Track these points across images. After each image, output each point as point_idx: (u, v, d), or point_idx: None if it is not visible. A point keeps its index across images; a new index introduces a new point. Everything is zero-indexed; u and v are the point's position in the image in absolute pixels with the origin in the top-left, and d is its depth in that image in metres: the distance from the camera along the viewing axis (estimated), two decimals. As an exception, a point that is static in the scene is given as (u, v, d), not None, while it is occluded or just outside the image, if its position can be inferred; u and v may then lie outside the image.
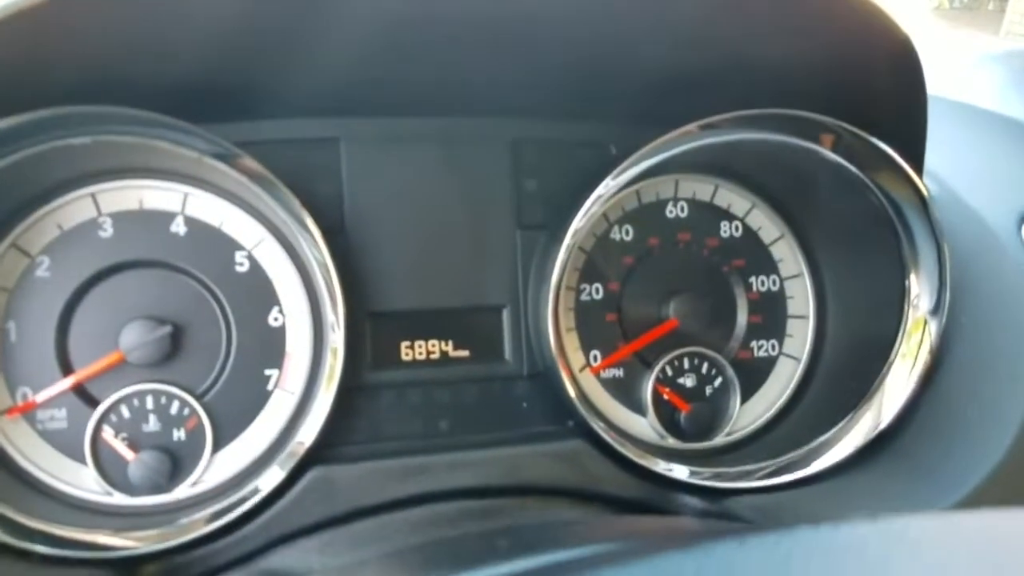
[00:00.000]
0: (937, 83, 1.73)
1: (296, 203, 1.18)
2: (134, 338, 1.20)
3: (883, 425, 1.30)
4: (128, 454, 1.20)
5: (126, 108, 1.10)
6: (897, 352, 1.32)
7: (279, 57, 1.14)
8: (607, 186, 1.27)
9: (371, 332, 1.30)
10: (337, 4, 1.03)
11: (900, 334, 1.32)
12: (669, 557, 0.44)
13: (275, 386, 1.27)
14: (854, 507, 1.25)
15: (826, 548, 0.48)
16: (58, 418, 1.20)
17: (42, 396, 1.18)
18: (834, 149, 1.28)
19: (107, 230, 1.22)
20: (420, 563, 0.86)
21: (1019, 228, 1.38)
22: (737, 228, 1.48)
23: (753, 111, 1.28)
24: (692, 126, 1.28)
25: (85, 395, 1.21)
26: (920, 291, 1.31)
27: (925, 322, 1.30)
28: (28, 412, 1.19)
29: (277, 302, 1.27)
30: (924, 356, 1.29)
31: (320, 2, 1.02)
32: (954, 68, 1.86)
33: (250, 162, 1.16)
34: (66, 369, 1.20)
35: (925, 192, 1.28)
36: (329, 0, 1.02)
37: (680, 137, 1.28)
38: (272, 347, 1.27)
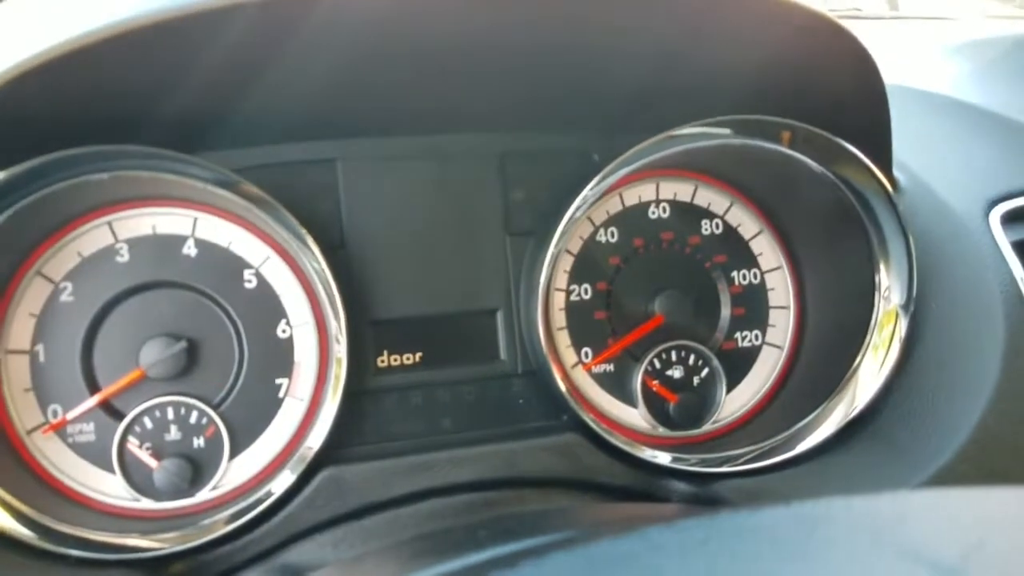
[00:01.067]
0: (912, 73, 1.82)
1: (296, 223, 1.28)
2: (153, 354, 1.30)
3: (857, 410, 1.39)
4: (152, 462, 1.31)
5: (137, 146, 1.20)
6: (869, 343, 1.41)
7: (277, 88, 1.23)
8: (590, 191, 1.37)
9: (373, 339, 1.40)
10: (329, 39, 1.12)
11: (872, 325, 1.41)
12: (598, 544, 0.53)
13: (286, 394, 1.37)
14: (832, 486, 1.35)
15: (742, 531, 0.57)
16: (87, 432, 1.31)
17: (72, 413, 1.29)
18: (792, 146, 1.37)
19: (124, 255, 1.33)
20: (408, 556, 0.96)
21: (986, 215, 1.47)
22: (718, 226, 1.57)
23: (716, 118, 1.38)
24: (665, 134, 1.37)
25: (111, 409, 1.32)
26: (890, 284, 1.40)
27: (896, 314, 1.39)
28: (60, 428, 1.29)
29: (284, 315, 1.38)
30: (895, 346, 1.38)
31: (313, 39, 1.12)
32: (927, 58, 1.94)
33: (251, 188, 1.26)
34: (92, 386, 1.31)
35: (888, 186, 1.37)
36: (321, 36, 1.11)
37: (655, 144, 1.38)
38: (281, 357, 1.37)
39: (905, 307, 1.38)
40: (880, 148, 1.41)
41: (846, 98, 1.35)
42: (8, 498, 1.15)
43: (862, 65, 1.29)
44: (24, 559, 1.13)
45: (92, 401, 1.29)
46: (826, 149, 1.37)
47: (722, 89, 1.37)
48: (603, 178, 1.37)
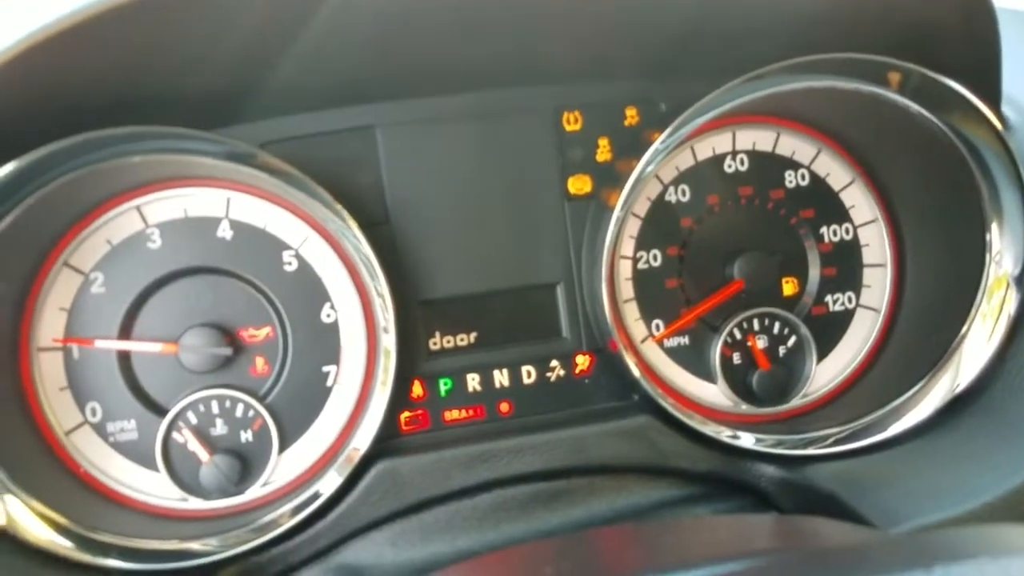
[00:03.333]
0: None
1: (334, 199, 1.21)
2: (193, 345, 1.26)
3: (963, 385, 1.28)
4: (204, 455, 1.27)
5: (161, 126, 1.13)
6: (977, 311, 1.28)
7: (307, 50, 1.15)
8: (661, 145, 1.25)
9: (424, 320, 1.33)
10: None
11: (981, 291, 1.28)
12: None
13: (334, 382, 1.32)
14: (938, 471, 1.23)
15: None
16: (128, 429, 1.28)
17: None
18: (901, 91, 1.23)
19: (155, 241, 1.28)
20: None
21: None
22: (803, 176, 1.44)
23: (813, 57, 1.23)
24: (750, 75, 1.24)
25: (153, 405, 1.28)
26: (1002, 247, 1.26)
27: (1008, 281, 1.25)
28: (98, 425, 1.27)
29: (328, 298, 1.31)
30: (1006, 316, 1.25)
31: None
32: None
33: (282, 163, 1.19)
34: (130, 380, 1.27)
35: (1000, 129, 1.21)
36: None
37: (739, 87, 1.25)
38: (327, 343, 1.32)
39: (1019, 279, 1.24)
40: (988, 83, 1.25)
41: (948, 27, 1.20)
42: (44, 509, 1.13)
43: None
44: (66, 574, 1.11)
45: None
46: (936, 94, 1.22)
47: (803, 24, 1.23)
48: (676, 129, 1.25)
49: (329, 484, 1.22)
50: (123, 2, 0.92)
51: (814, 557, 0.62)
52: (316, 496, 1.22)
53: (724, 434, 1.30)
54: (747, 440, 1.29)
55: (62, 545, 1.13)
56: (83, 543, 1.14)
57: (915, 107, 1.23)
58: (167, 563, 1.15)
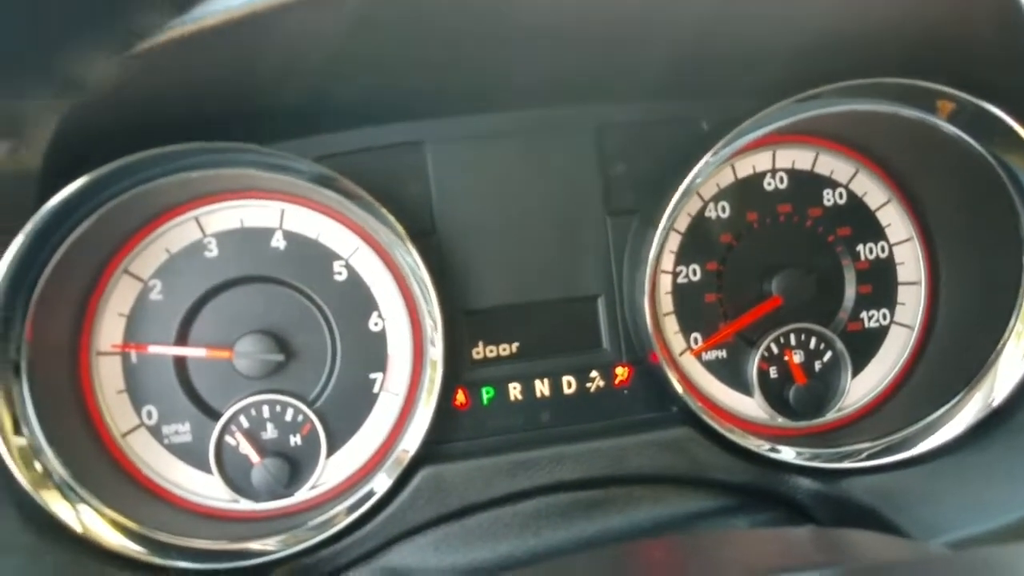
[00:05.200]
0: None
1: (385, 211, 1.27)
2: (248, 352, 1.32)
3: (997, 402, 1.32)
4: (255, 457, 1.33)
5: (224, 143, 1.20)
6: (1012, 330, 1.32)
7: (362, 67, 1.21)
8: (706, 163, 1.31)
9: (468, 330, 1.39)
10: (417, 12, 1.09)
11: (1015, 310, 1.32)
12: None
13: (380, 388, 1.38)
14: (972, 487, 1.28)
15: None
16: (182, 432, 1.34)
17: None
18: (952, 120, 1.28)
19: (212, 250, 1.34)
20: None
21: None
22: (841, 195, 1.49)
23: (862, 80, 1.29)
24: (796, 98, 1.30)
25: (206, 408, 1.34)
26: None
27: None
28: (154, 428, 1.33)
29: (376, 307, 1.38)
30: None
31: (400, 13, 1.08)
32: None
33: (337, 177, 1.25)
34: (186, 385, 1.34)
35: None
36: (409, 8, 1.08)
37: (784, 108, 1.30)
38: (374, 351, 1.38)
39: None
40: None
41: (980, 45, 1.24)
42: (116, 516, 1.19)
43: (1006, 10, 1.18)
44: (129, 573, 1.17)
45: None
46: (981, 121, 1.27)
47: (844, 47, 1.28)
48: (723, 147, 1.31)
49: (380, 484, 1.27)
50: (217, 21, 0.98)
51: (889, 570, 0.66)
52: (370, 495, 1.27)
53: (764, 447, 1.34)
54: (787, 454, 1.34)
55: (134, 550, 1.19)
56: (153, 546, 1.20)
57: (960, 134, 1.28)
58: (227, 563, 1.21)
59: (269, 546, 1.24)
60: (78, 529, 1.17)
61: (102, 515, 1.19)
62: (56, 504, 1.17)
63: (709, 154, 1.30)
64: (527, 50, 1.23)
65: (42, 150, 1.05)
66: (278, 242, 1.36)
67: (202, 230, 1.34)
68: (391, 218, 1.27)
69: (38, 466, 1.17)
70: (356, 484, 1.35)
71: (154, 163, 1.19)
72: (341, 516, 1.27)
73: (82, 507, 1.18)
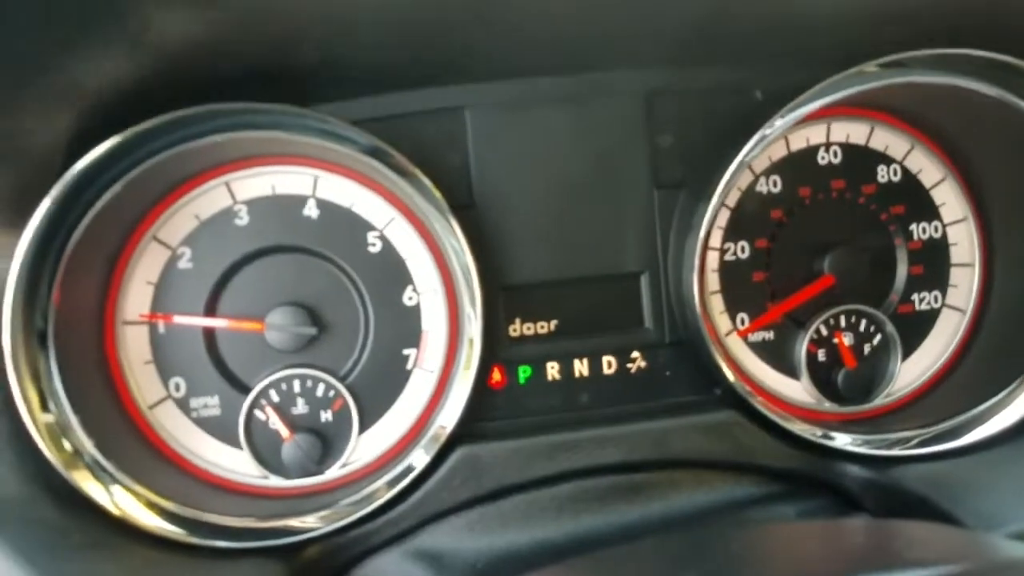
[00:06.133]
0: None
1: (423, 180, 1.22)
2: (279, 325, 1.28)
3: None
4: (285, 431, 1.30)
5: (256, 103, 1.15)
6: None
7: (400, 26, 1.16)
8: (762, 136, 1.25)
9: (505, 306, 1.35)
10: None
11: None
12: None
13: (414, 365, 1.34)
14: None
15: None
16: (211, 405, 1.30)
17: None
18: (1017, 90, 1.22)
19: (243, 218, 1.30)
20: None
21: None
22: (895, 172, 1.44)
23: (937, 51, 1.22)
24: (871, 64, 1.24)
25: (236, 382, 1.31)
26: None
27: None
28: (182, 401, 1.30)
29: (411, 281, 1.33)
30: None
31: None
32: None
33: (373, 141, 1.20)
34: (215, 357, 1.30)
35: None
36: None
37: (848, 79, 1.24)
38: (408, 326, 1.34)
39: None
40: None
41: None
42: (149, 494, 1.16)
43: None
44: (158, 552, 1.14)
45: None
46: None
47: (907, 14, 1.23)
48: (781, 118, 1.25)
49: (417, 461, 1.24)
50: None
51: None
52: (409, 470, 1.24)
53: (816, 433, 1.30)
54: (841, 440, 1.30)
55: (172, 531, 1.16)
56: (189, 526, 1.16)
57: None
58: (259, 541, 1.17)
59: (303, 523, 1.20)
60: (114, 511, 1.14)
61: (136, 495, 1.16)
62: (88, 484, 1.13)
63: (767, 125, 1.24)
64: (574, 8, 1.17)
65: (75, 109, 1.01)
66: (311, 211, 1.31)
67: (232, 196, 1.30)
68: (430, 187, 1.23)
69: (67, 445, 1.13)
70: (388, 463, 1.32)
71: (185, 124, 1.15)
72: (381, 491, 1.23)
73: (115, 488, 1.15)
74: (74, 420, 1.14)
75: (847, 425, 1.39)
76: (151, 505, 1.16)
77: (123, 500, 1.15)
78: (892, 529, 1.03)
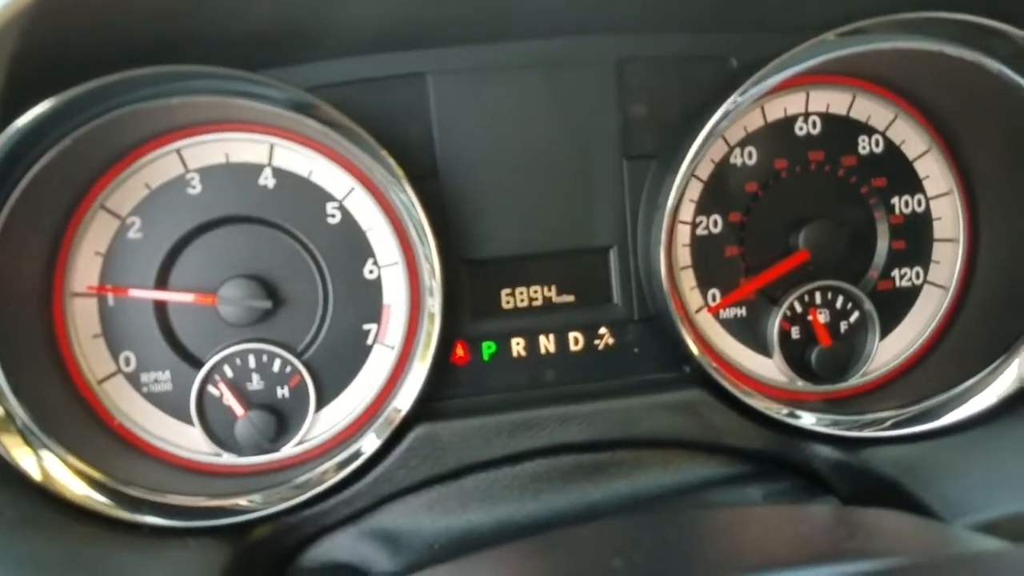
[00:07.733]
0: None
1: (382, 149, 1.19)
2: (232, 297, 1.25)
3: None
4: (239, 409, 1.28)
5: (202, 66, 1.11)
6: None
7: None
8: (733, 104, 1.22)
9: (469, 281, 1.32)
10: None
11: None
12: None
13: (374, 341, 1.32)
14: (1004, 461, 1.22)
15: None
16: (162, 380, 1.28)
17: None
18: (1008, 63, 1.18)
19: (195, 186, 1.27)
20: None
21: None
22: (877, 143, 1.41)
23: (909, 15, 1.18)
24: (836, 31, 1.20)
25: (188, 356, 1.28)
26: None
27: None
28: (132, 375, 1.27)
29: (371, 254, 1.30)
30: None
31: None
32: None
33: (330, 109, 1.17)
34: (166, 330, 1.27)
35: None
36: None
37: (822, 44, 1.20)
38: (369, 301, 1.31)
39: None
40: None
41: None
42: (80, 464, 1.14)
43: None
44: (97, 530, 1.12)
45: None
46: None
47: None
48: (752, 85, 1.21)
49: (369, 444, 1.22)
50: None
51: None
52: (358, 454, 1.22)
53: (782, 412, 1.28)
54: (807, 419, 1.28)
55: (99, 501, 1.14)
56: (119, 499, 1.15)
57: (1016, 78, 1.19)
58: (204, 520, 1.16)
59: (252, 503, 1.18)
60: (37, 477, 1.12)
61: (66, 463, 1.14)
62: (16, 450, 1.11)
63: (736, 93, 1.20)
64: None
65: (5, 65, 0.97)
66: (267, 180, 1.28)
67: (184, 164, 1.26)
68: (386, 156, 1.19)
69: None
70: (345, 441, 1.30)
71: (128, 86, 1.11)
72: (329, 474, 1.21)
73: (45, 453, 1.13)
74: (7, 388, 1.11)
75: (820, 405, 1.37)
76: (81, 474, 1.14)
77: (51, 466, 1.13)
78: (842, 515, 1.01)
